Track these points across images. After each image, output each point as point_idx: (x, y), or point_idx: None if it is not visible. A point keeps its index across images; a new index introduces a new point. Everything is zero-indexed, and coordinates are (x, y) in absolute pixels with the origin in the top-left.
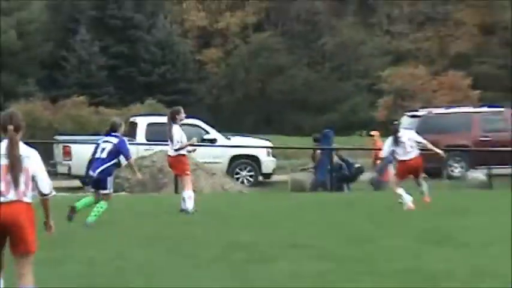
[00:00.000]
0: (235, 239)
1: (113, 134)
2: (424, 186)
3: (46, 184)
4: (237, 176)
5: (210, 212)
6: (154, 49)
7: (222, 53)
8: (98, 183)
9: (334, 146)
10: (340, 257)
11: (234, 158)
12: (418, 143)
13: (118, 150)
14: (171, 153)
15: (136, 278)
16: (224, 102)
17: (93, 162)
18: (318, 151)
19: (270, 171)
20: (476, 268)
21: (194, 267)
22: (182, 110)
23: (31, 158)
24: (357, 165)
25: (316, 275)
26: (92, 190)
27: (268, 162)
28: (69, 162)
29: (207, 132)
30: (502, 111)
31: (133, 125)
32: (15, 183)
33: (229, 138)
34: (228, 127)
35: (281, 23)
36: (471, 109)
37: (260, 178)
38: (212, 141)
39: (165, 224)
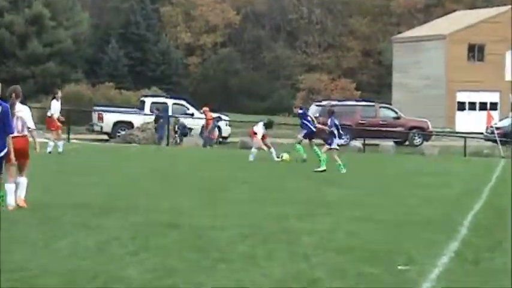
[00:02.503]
0: (205, 174)
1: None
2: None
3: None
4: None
5: (189, 157)
6: (158, 55)
7: (200, 59)
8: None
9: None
10: (270, 189)
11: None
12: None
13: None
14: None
15: (140, 197)
16: (200, 90)
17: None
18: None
19: (227, 135)
20: (352, 200)
21: (177, 192)
22: (59, 91)
23: (23, 111)
24: (188, 127)
25: (250, 200)
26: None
27: (226, 130)
28: (102, 124)
29: (188, 109)
30: (373, 105)
31: (143, 102)
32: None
33: (202, 113)
34: (201, 106)
35: (238, 43)
36: (355, 102)
37: (221, 139)
38: (191, 114)
39: (159, 163)
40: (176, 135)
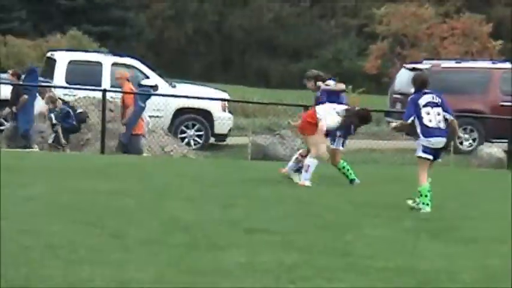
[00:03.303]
0: (174, 216)
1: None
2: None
3: None
4: (182, 135)
5: (144, 180)
6: None
7: None
8: None
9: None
10: (310, 247)
11: (180, 112)
12: None
13: None
14: None
15: (48, 259)
16: (170, 38)
17: None
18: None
19: (225, 131)
20: (487, 270)
21: (121, 249)
22: None
23: None
24: (79, 110)
25: (279, 269)
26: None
27: (223, 120)
28: None
29: (146, 77)
30: None
31: (51, 62)
32: None
33: (174, 86)
34: (173, 71)
35: None
36: (490, 64)
37: (212, 140)
38: (152, 88)
39: (86, 193)
40: (53, 132)
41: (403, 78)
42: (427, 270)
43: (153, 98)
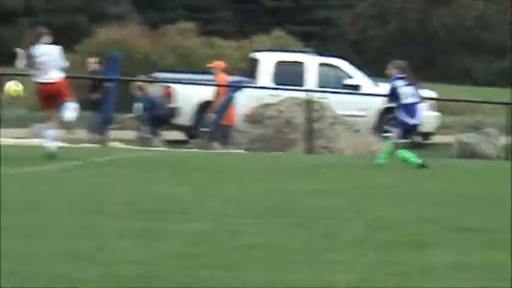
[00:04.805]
0: (379, 215)
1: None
2: None
3: None
4: (388, 134)
5: (351, 180)
6: None
7: None
8: None
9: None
10: None
11: (384, 111)
12: None
13: None
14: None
15: (250, 260)
16: (373, 37)
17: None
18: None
19: (431, 129)
20: None
21: (328, 250)
22: None
23: None
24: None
25: (487, 268)
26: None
27: (429, 118)
28: (171, 105)
29: (350, 76)
30: None
31: (255, 63)
32: None
33: (378, 85)
34: (376, 70)
35: None
36: None
37: (418, 138)
38: (356, 87)
39: (291, 194)
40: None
41: None
42: None
43: (356, 97)
